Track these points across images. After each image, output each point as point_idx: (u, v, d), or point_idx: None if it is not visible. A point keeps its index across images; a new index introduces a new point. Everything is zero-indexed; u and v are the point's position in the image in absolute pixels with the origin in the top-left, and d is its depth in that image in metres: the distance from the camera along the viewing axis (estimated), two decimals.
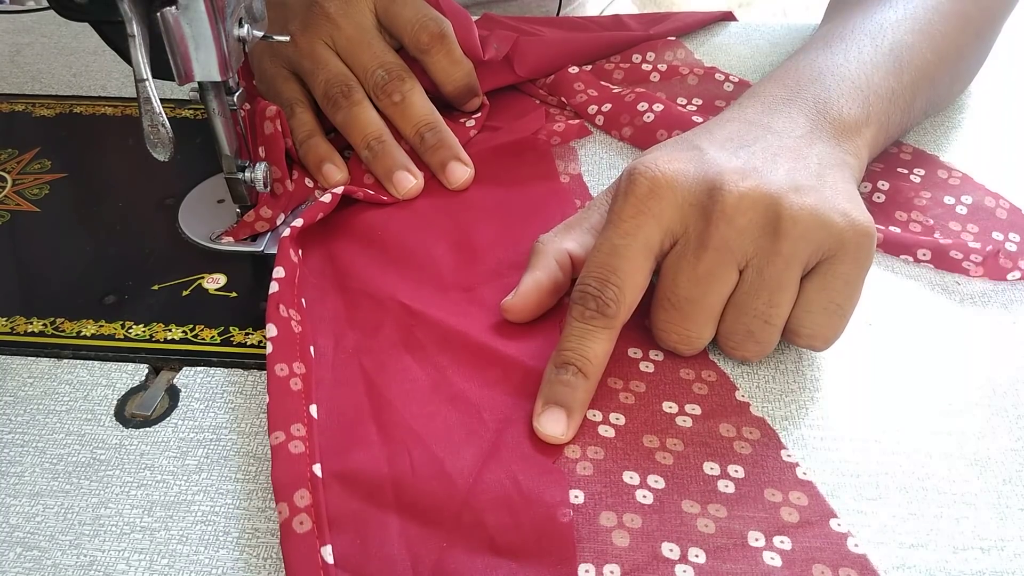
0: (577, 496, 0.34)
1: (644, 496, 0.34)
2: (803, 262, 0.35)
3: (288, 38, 0.45)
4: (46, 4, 0.48)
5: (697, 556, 0.32)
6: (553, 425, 0.35)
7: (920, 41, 0.47)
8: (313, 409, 0.36)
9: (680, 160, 0.37)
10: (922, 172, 0.49)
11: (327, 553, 0.31)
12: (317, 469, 0.34)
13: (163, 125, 0.39)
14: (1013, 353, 0.40)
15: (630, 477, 0.34)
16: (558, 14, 0.79)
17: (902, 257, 0.45)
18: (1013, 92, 0.58)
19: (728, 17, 0.66)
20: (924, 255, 0.44)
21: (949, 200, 0.47)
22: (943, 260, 0.44)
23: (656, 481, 0.34)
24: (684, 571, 0.31)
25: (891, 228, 0.45)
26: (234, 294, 0.44)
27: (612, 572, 0.31)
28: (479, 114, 0.55)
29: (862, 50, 0.46)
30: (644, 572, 0.31)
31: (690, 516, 0.33)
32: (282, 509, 0.32)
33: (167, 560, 0.33)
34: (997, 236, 0.45)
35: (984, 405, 0.38)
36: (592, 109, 0.55)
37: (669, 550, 0.32)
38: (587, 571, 0.31)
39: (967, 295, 0.43)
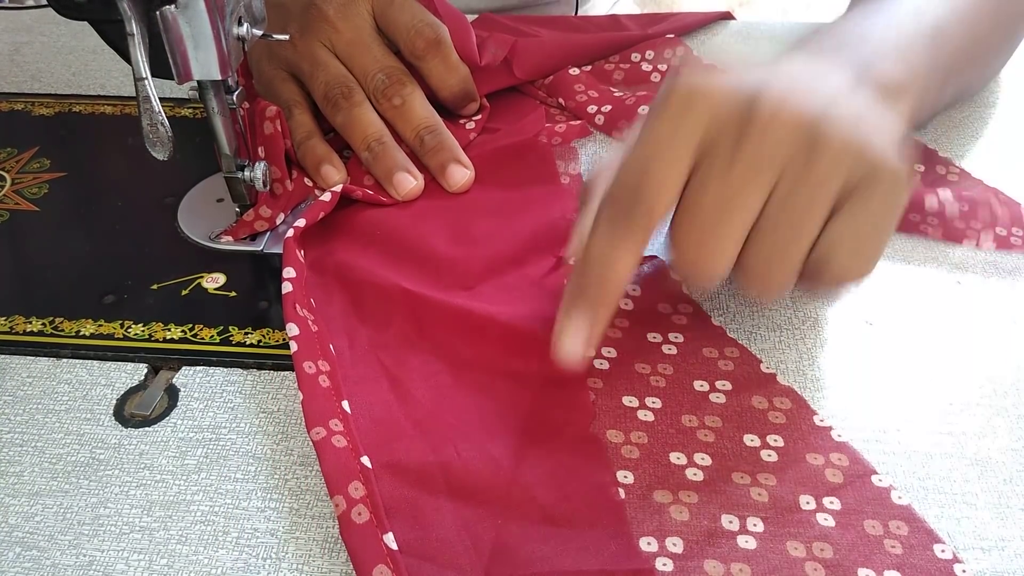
0: (627, 476, 0.35)
1: (695, 474, 0.35)
2: (834, 190, 0.34)
3: (287, 37, 0.45)
4: (45, 3, 0.48)
5: (756, 525, 0.33)
6: (574, 340, 0.35)
7: (957, 30, 0.47)
8: (345, 404, 0.36)
9: (719, 76, 0.36)
10: (921, 168, 0.49)
11: (390, 540, 0.32)
12: (366, 461, 0.34)
13: (162, 124, 0.39)
14: (1014, 353, 0.40)
15: (677, 458, 0.35)
16: (575, 14, 0.78)
17: (927, 201, 0.45)
18: (1010, 89, 0.58)
19: (727, 17, 0.66)
20: (952, 210, 0.45)
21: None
22: (953, 230, 0.45)
23: (703, 459, 0.35)
24: (747, 541, 0.32)
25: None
26: (233, 293, 0.43)
27: (675, 545, 0.32)
28: (479, 116, 0.55)
29: (903, 24, 0.45)
30: (707, 545, 0.32)
31: (742, 487, 0.34)
32: (338, 502, 0.32)
33: (166, 560, 0.32)
34: (1000, 232, 0.45)
35: (985, 405, 0.38)
36: (592, 109, 0.55)
37: (728, 522, 0.33)
38: (649, 543, 0.32)
39: (968, 295, 0.43)
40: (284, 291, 0.40)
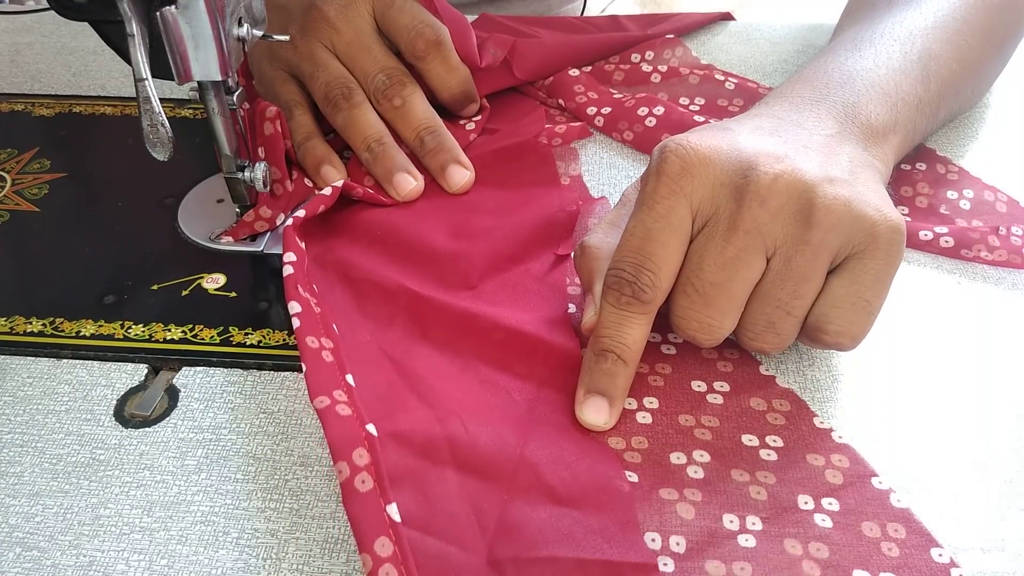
0: (632, 476, 0.34)
1: (695, 471, 0.35)
2: (832, 254, 0.34)
3: (287, 38, 0.45)
4: (46, 4, 0.48)
5: (754, 524, 0.33)
6: (595, 414, 0.36)
7: (947, 51, 0.47)
8: (349, 378, 0.36)
9: (712, 139, 0.36)
10: (923, 167, 0.50)
11: (393, 511, 0.31)
12: (371, 428, 0.33)
13: (162, 125, 0.39)
14: (1013, 352, 0.40)
15: (677, 457, 0.35)
16: (582, 13, 0.78)
17: (921, 234, 0.45)
18: (1008, 88, 0.58)
19: (727, 18, 0.66)
20: (947, 242, 0.44)
21: (952, 195, 0.48)
22: (964, 240, 0.44)
23: (701, 455, 0.35)
24: (746, 540, 0.32)
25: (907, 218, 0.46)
26: (233, 294, 0.43)
27: (678, 544, 0.32)
28: (479, 117, 0.55)
29: (891, 56, 0.45)
30: (708, 546, 0.32)
31: (741, 485, 0.34)
32: (341, 468, 0.32)
33: (166, 560, 0.32)
34: (1002, 231, 0.45)
35: (985, 405, 0.38)
36: (591, 110, 0.55)
37: (730, 521, 0.33)
38: (653, 540, 0.32)
39: (968, 296, 0.43)
40: (285, 273, 0.40)
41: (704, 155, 0.35)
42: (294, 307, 0.38)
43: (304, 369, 0.35)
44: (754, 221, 0.34)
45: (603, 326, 0.36)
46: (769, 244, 0.35)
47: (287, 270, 0.40)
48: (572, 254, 0.43)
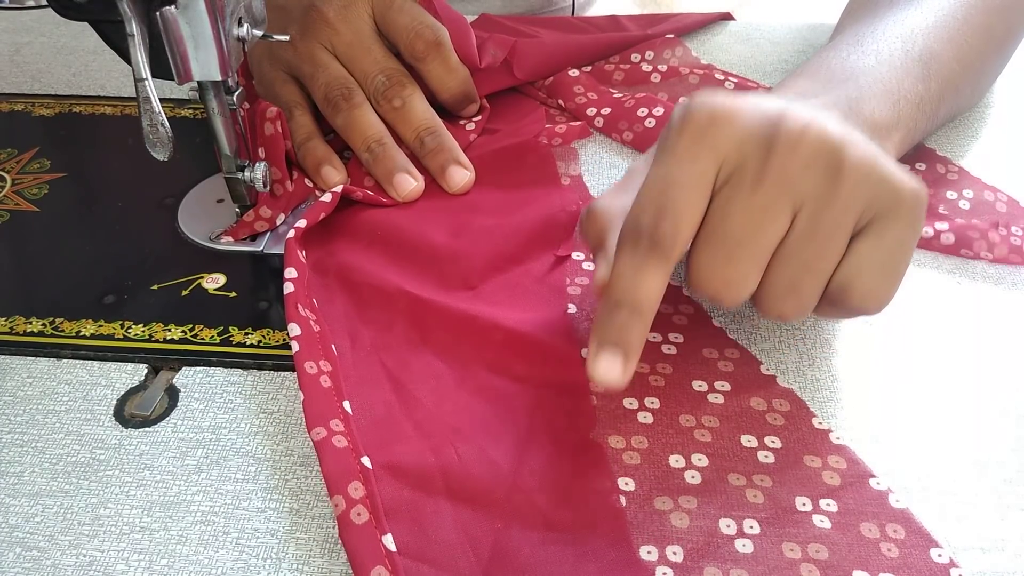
0: (628, 483, 0.34)
1: (692, 476, 0.35)
2: (858, 213, 0.33)
3: (287, 37, 0.45)
4: (45, 3, 0.48)
5: (752, 528, 0.33)
6: (609, 369, 0.33)
7: (948, 51, 0.47)
8: (346, 405, 0.36)
9: (737, 96, 0.35)
10: (923, 167, 0.50)
11: (388, 541, 0.32)
12: (366, 461, 0.34)
13: (162, 124, 0.39)
14: (1013, 352, 0.40)
15: (676, 460, 0.35)
16: (572, 13, 0.78)
17: (924, 230, 0.45)
18: (1008, 88, 0.58)
19: (727, 18, 0.66)
20: (948, 239, 0.45)
21: (951, 195, 0.48)
22: (964, 238, 0.44)
23: (700, 459, 0.35)
24: (744, 545, 0.32)
25: None
26: (233, 294, 0.43)
27: (675, 553, 0.32)
28: (479, 118, 0.55)
29: (893, 53, 0.45)
30: (706, 553, 0.32)
31: (738, 489, 0.34)
32: (338, 502, 0.32)
33: (166, 560, 0.32)
34: (1001, 231, 0.45)
35: (985, 405, 0.38)
36: (591, 111, 0.55)
37: (726, 526, 0.33)
38: (649, 552, 0.32)
39: (967, 295, 0.43)
40: (286, 291, 0.40)
41: (731, 107, 0.34)
42: (293, 329, 0.39)
43: (302, 398, 0.36)
44: (783, 170, 0.33)
45: (618, 277, 0.33)
46: (796, 197, 0.33)
47: (287, 287, 0.40)
48: (579, 217, 0.41)
